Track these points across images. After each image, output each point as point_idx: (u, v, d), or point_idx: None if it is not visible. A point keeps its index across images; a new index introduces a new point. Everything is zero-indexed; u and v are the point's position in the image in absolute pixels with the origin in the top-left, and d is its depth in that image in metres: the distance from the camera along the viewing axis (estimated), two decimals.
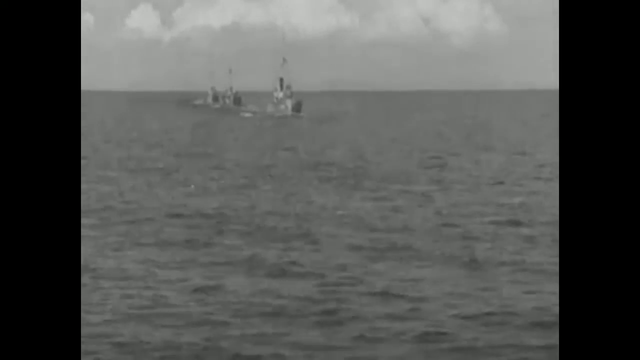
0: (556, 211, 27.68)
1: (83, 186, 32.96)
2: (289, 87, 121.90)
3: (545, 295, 17.28)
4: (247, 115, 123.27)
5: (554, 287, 15.98)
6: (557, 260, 19.76)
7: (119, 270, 20.00)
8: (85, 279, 17.90)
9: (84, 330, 11.56)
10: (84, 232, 24.14)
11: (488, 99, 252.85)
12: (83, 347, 10.38)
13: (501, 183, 37.91)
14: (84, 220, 26.06)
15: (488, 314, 16.24)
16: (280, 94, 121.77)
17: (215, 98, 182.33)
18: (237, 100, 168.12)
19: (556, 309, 15.11)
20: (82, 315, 9.31)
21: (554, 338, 13.01)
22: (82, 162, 44.07)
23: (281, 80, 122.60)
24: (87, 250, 21.29)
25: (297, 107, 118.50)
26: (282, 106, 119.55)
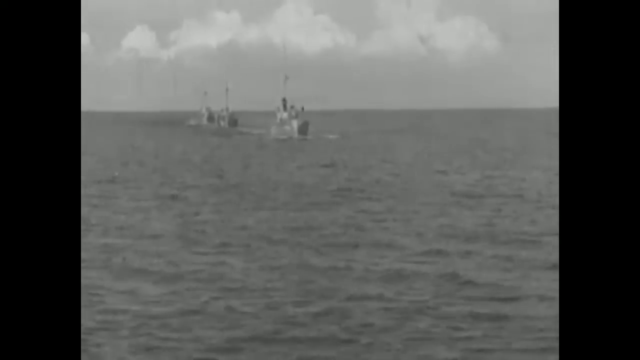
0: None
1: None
2: (293, 106, 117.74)
3: None
4: (253, 136, 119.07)
5: None
6: None
7: None
8: None
9: None
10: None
11: (485, 117, 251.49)
12: None
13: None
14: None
15: None
16: (285, 115, 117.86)
17: (211, 118, 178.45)
18: (233, 121, 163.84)
19: None
20: None
21: None
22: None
23: (284, 100, 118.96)
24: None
25: (303, 129, 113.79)
26: (287, 127, 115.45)
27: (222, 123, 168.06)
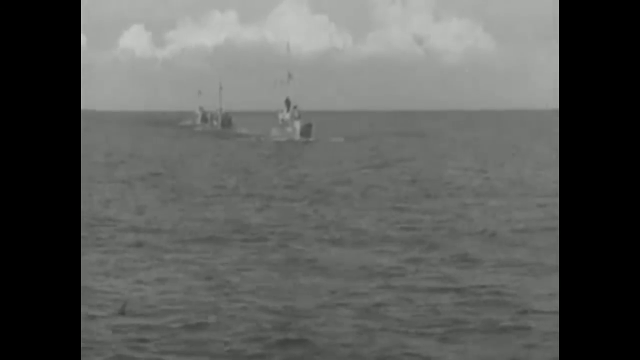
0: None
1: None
2: (296, 107, 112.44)
3: None
4: (252, 140, 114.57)
5: None
6: None
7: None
8: None
9: None
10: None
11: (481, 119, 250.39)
12: None
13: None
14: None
15: None
16: (287, 115, 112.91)
17: (205, 119, 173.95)
18: (227, 121, 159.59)
19: None
20: None
21: None
22: None
23: (287, 100, 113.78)
24: None
25: (306, 131, 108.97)
26: (289, 129, 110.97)
27: (214, 123, 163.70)
